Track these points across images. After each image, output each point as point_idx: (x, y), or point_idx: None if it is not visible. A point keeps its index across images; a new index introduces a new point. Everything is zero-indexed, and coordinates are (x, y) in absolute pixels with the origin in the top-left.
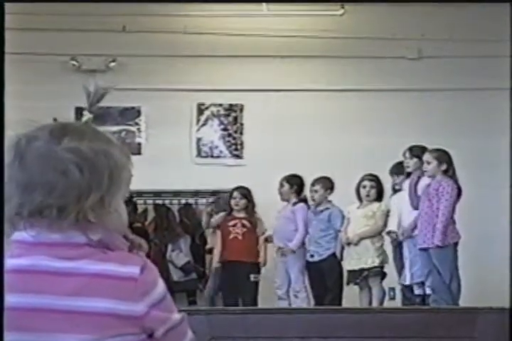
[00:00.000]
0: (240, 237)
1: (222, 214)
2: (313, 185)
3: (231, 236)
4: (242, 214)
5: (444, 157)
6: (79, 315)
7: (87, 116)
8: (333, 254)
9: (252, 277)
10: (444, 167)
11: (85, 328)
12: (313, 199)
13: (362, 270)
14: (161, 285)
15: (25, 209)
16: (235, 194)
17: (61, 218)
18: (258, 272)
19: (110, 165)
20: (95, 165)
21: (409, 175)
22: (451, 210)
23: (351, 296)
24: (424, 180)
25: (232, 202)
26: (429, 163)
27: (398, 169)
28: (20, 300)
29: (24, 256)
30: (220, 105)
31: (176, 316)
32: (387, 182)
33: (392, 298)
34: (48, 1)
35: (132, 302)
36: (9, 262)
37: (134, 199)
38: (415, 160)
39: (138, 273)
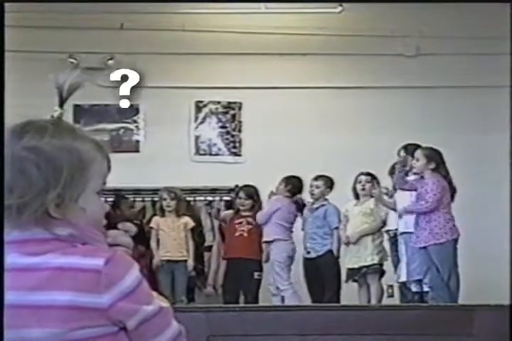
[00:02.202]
0: (245, 234)
1: (230, 211)
2: (315, 179)
3: (237, 233)
4: (247, 213)
5: (433, 155)
6: (42, 309)
7: (58, 111)
8: (330, 251)
9: (255, 275)
10: (432, 165)
11: (49, 322)
12: (313, 194)
13: (361, 267)
14: (130, 278)
15: None
16: (241, 194)
17: (22, 216)
18: (261, 270)
19: (72, 160)
20: (53, 161)
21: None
22: (434, 206)
23: (350, 294)
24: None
25: (238, 201)
26: (418, 159)
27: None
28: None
29: (7, 255)
30: (219, 103)
31: (150, 308)
32: (386, 181)
33: (391, 296)
34: (47, 1)
35: (96, 294)
36: None
37: (132, 196)
38: (410, 158)
39: (102, 264)
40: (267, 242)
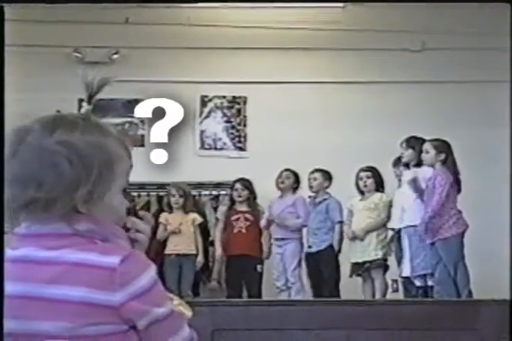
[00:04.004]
0: (243, 231)
1: (223, 208)
2: (312, 172)
3: (235, 230)
4: (244, 208)
5: (443, 147)
6: (56, 302)
7: (85, 107)
8: (331, 245)
9: (258, 268)
10: (442, 157)
11: (62, 316)
12: (311, 186)
13: (365, 262)
14: (145, 278)
15: (16, 203)
16: (237, 185)
17: (49, 210)
18: (262, 263)
19: (103, 157)
20: (85, 157)
21: (406, 165)
22: (442, 205)
23: (355, 288)
24: (424, 173)
25: (235, 193)
26: (427, 152)
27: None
28: (12, 289)
29: (19, 248)
30: (224, 97)
31: (161, 310)
32: (391, 175)
33: (395, 291)
34: (47, 2)
35: (110, 292)
36: (8, 253)
37: (137, 191)
38: (410, 151)
39: (117, 263)
40: (277, 239)
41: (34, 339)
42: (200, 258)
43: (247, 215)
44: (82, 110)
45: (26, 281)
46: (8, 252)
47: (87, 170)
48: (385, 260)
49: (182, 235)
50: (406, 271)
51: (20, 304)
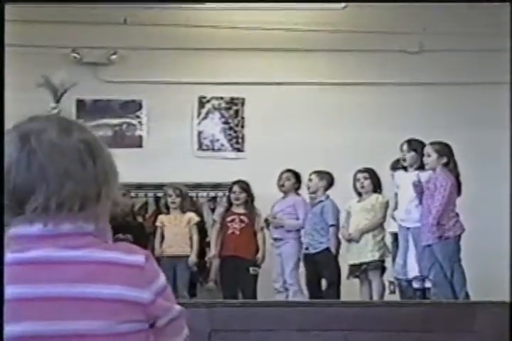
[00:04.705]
0: (237, 232)
1: (221, 209)
2: (310, 174)
3: (229, 231)
4: (241, 210)
5: (444, 150)
6: (90, 301)
7: (58, 107)
8: (327, 248)
9: (251, 270)
10: (444, 160)
11: (97, 314)
12: (308, 188)
13: (362, 264)
14: (163, 275)
15: (53, 200)
16: (235, 188)
17: (84, 208)
18: (256, 265)
19: (110, 155)
20: (102, 155)
21: (405, 168)
22: (445, 204)
23: (352, 290)
24: (425, 175)
25: (232, 196)
26: (429, 155)
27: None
28: (33, 291)
29: (33, 249)
30: (222, 98)
31: (177, 307)
32: (388, 177)
33: (393, 292)
34: (47, 1)
35: (140, 289)
36: (18, 256)
37: (134, 192)
38: (412, 153)
39: (143, 261)
40: (275, 239)
41: (67, 340)
42: (193, 258)
43: (243, 217)
44: (56, 111)
45: (52, 282)
46: (17, 255)
47: (104, 168)
48: (382, 261)
49: (176, 235)
50: (404, 273)
51: (46, 305)
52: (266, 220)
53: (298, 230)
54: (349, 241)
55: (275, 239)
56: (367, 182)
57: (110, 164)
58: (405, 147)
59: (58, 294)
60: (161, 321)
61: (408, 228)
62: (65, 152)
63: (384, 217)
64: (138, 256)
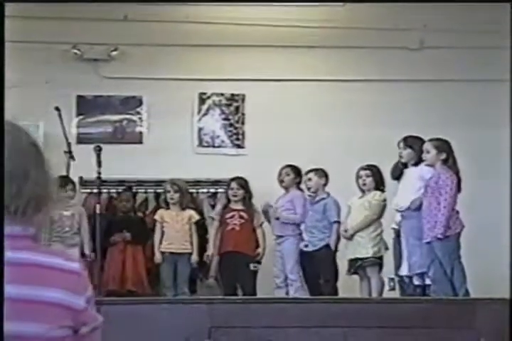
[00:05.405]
0: (237, 228)
1: (219, 206)
2: (306, 173)
3: (229, 227)
4: (239, 206)
5: (443, 146)
6: (35, 303)
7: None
8: (327, 245)
9: (251, 266)
10: (443, 156)
11: (42, 317)
12: (309, 188)
13: (357, 259)
14: (91, 285)
15: (22, 199)
16: (233, 184)
17: (39, 209)
18: (256, 261)
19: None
20: (46, 159)
21: (404, 165)
22: (453, 202)
23: (352, 287)
24: (425, 172)
25: (230, 192)
26: (428, 151)
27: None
28: None
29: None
30: (222, 95)
31: (100, 317)
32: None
33: (392, 289)
34: (47, 1)
35: (78, 296)
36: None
37: (134, 188)
38: (409, 150)
39: (79, 268)
40: (276, 236)
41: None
42: (194, 256)
43: (242, 213)
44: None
45: (7, 283)
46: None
47: (49, 171)
48: (379, 258)
49: (177, 232)
50: (403, 270)
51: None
52: (264, 210)
53: (298, 225)
54: (345, 237)
55: (277, 237)
56: (369, 180)
57: (51, 169)
58: (402, 144)
59: (8, 294)
60: (85, 329)
61: (411, 224)
62: (26, 152)
63: (379, 214)
64: (75, 263)
